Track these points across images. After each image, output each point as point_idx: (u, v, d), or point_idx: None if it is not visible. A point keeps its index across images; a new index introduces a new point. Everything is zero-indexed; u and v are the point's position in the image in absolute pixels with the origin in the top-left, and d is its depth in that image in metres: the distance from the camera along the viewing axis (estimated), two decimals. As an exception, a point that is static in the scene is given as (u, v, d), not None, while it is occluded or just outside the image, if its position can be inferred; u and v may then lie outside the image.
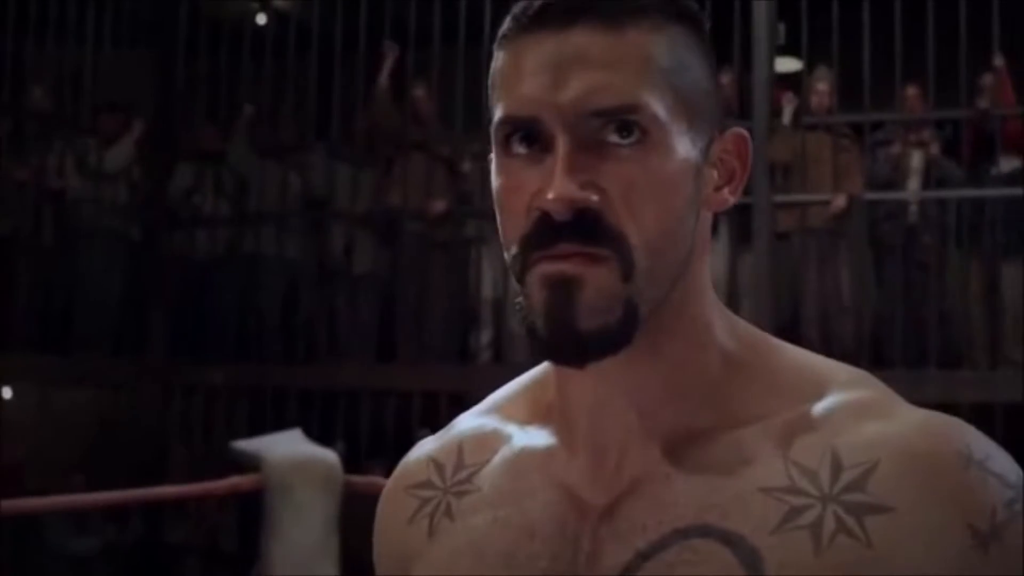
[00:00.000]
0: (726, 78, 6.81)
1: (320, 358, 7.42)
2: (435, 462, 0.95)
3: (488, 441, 0.93)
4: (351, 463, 4.38)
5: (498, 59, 0.83)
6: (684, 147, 0.81)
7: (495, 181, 0.83)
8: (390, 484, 0.99)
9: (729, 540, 0.78)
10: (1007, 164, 6.53)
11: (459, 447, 0.95)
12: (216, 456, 6.37)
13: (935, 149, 6.64)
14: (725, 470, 0.81)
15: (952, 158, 6.64)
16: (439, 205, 7.22)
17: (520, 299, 0.81)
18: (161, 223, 7.71)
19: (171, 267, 7.67)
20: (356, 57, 7.34)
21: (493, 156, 0.83)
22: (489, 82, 0.84)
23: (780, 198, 6.50)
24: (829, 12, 6.48)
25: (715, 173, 0.86)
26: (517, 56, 0.81)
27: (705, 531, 0.79)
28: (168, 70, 7.92)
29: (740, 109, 6.72)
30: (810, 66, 6.83)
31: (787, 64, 7.41)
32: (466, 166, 7.44)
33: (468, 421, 0.97)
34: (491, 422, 0.95)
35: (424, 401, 6.99)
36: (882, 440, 0.78)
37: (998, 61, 6.46)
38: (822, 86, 6.71)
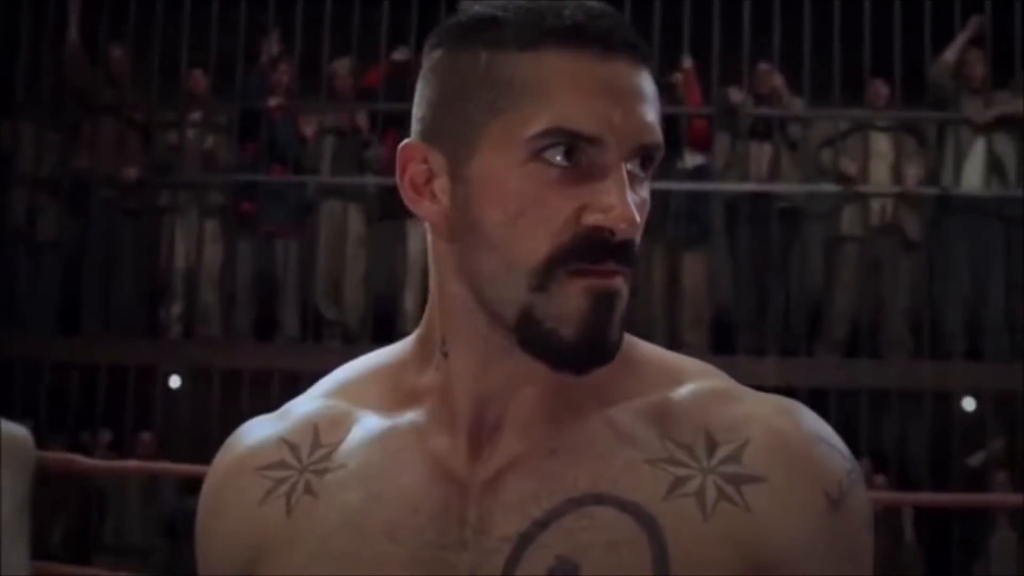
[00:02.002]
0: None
1: (-3, 328, 7.03)
2: (287, 443, 0.94)
3: (342, 421, 0.94)
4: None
5: (538, 60, 0.83)
6: None
7: (516, 184, 0.83)
8: (231, 466, 0.96)
9: (625, 507, 0.85)
10: (692, 159, 6.88)
11: (314, 427, 0.94)
12: None
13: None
14: (608, 444, 0.87)
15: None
16: (131, 172, 6.96)
17: (540, 304, 0.83)
18: None
19: None
20: (45, 10, 6.97)
21: (507, 158, 0.84)
22: (499, 79, 0.84)
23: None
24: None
25: None
26: (563, 70, 0.83)
27: (599, 499, 0.85)
28: None
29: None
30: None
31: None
32: (162, 133, 7.20)
33: (311, 403, 0.97)
34: (340, 404, 0.95)
35: (110, 375, 6.74)
36: (748, 420, 0.88)
37: (687, 63, 6.80)
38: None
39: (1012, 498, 5.80)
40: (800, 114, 6.81)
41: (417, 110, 0.90)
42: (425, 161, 0.88)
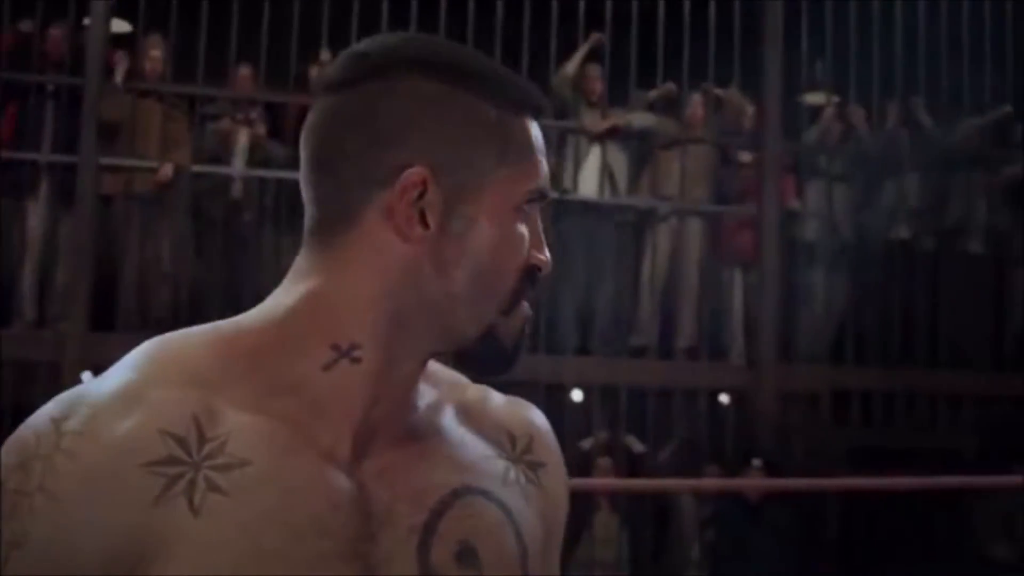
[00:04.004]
0: (59, 31, 6.62)
1: None
2: (172, 436, 0.90)
3: (217, 411, 0.92)
4: None
5: (528, 128, 1.00)
6: None
7: (511, 226, 0.98)
8: (105, 458, 0.88)
9: (488, 495, 1.02)
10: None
11: (194, 418, 0.91)
12: None
13: (261, 130, 6.91)
14: (454, 444, 1.03)
15: (278, 140, 6.94)
16: None
17: (501, 325, 0.99)
18: None
19: None
20: None
21: (507, 203, 0.98)
22: (507, 135, 0.98)
23: (107, 160, 6.44)
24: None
25: None
26: (534, 138, 1.01)
27: (469, 490, 1.01)
28: None
29: (72, 66, 6.57)
30: (145, 32, 6.82)
31: (120, 26, 7.31)
32: None
33: (168, 388, 0.92)
34: (201, 391, 0.92)
35: None
36: (526, 419, 1.11)
37: (324, 55, 6.87)
38: (156, 53, 6.73)
39: (613, 482, 6.22)
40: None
41: (398, 132, 0.95)
42: (422, 185, 0.95)
